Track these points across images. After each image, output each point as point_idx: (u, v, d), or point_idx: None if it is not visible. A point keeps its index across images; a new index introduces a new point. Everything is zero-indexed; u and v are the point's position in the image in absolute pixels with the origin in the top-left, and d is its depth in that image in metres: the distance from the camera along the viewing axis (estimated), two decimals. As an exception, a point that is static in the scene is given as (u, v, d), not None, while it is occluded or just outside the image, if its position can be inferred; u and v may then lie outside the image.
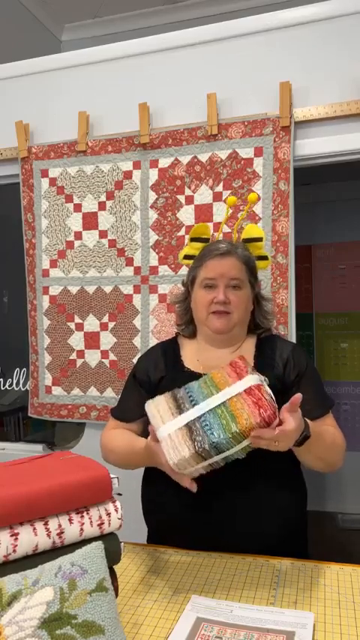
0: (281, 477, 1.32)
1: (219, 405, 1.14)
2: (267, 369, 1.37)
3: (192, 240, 1.52)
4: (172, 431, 1.14)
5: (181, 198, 2.06)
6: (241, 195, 1.97)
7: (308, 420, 1.21)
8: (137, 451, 1.32)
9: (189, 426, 1.13)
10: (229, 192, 1.99)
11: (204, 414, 1.14)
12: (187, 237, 2.06)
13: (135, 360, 2.09)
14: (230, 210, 1.62)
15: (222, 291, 1.37)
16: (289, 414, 1.12)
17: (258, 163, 1.95)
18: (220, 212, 2.00)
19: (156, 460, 1.20)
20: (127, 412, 1.47)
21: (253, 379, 1.16)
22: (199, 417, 1.14)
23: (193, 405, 1.16)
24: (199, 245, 1.47)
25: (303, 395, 1.36)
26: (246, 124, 1.95)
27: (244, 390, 1.14)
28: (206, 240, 1.49)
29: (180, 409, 1.17)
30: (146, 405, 1.22)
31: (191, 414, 1.15)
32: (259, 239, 1.47)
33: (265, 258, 1.51)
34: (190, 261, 1.49)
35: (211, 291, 1.38)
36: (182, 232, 2.06)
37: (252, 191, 1.95)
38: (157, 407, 1.20)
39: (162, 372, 1.44)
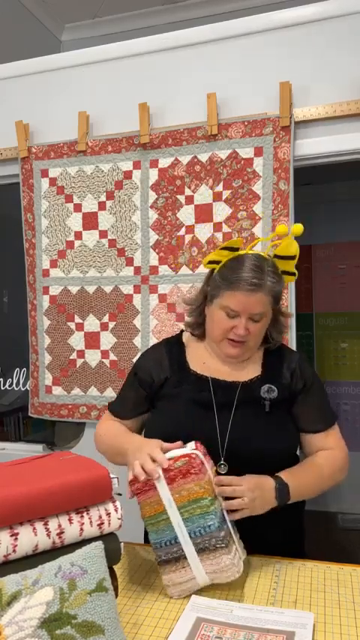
0: None
1: (180, 512, 1.11)
2: (275, 380, 1.35)
3: (222, 249, 1.39)
4: (201, 573, 1.11)
5: (181, 198, 2.06)
6: (241, 195, 1.97)
7: (283, 475, 1.25)
8: (122, 452, 1.30)
9: (202, 548, 1.10)
10: (229, 191, 1.99)
11: (188, 533, 1.10)
12: (187, 237, 2.06)
13: (135, 360, 2.09)
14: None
15: (243, 325, 1.31)
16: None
17: (258, 163, 1.95)
18: (220, 212, 2.00)
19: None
20: (124, 409, 1.47)
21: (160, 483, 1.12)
22: (192, 537, 1.11)
23: (177, 542, 1.11)
24: (226, 253, 1.36)
25: (307, 407, 1.36)
26: (246, 123, 1.95)
27: (166, 482, 1.11)
28: (235, 250, 1.37)
29: (179, 561, 1.12)
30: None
31: (188, 548, 1.11)
32: (293, 257, 1.37)
33: (293, 274, 1.41)
34: (214, 266, 1.39)
35: (231, 320, 1.33)
36: (182, 232, 2.06)
37: (252, 192, 1.96)
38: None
39: (166, 372, 1.41)
